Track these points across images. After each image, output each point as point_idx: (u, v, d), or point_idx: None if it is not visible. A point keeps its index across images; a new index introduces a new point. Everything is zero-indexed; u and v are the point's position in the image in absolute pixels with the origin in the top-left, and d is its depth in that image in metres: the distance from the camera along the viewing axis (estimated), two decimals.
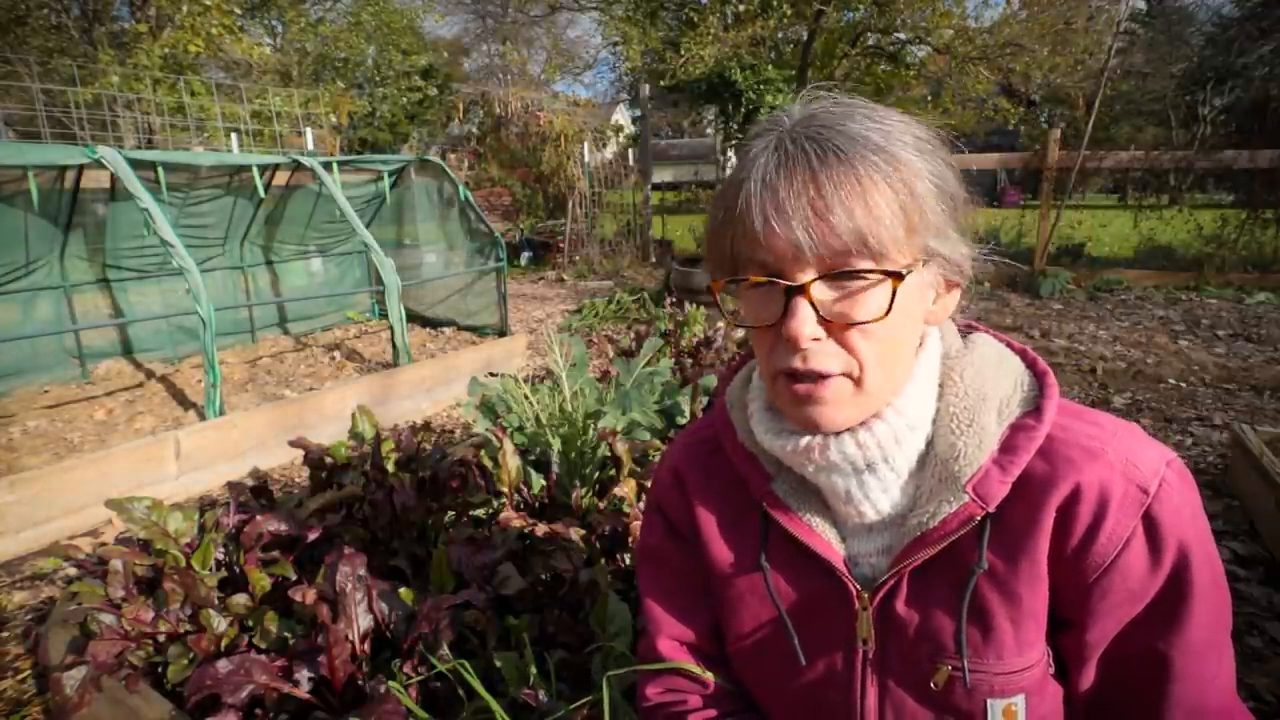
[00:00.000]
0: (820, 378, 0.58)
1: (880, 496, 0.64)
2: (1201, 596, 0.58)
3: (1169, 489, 0.57)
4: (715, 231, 0.61)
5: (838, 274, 0.55)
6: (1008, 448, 0.60)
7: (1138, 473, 0.58)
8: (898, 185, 0.54)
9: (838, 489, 0.64)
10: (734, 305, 0.65)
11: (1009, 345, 0.69)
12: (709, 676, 0.78)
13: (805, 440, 0.63)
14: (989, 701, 0.61)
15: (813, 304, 0.56)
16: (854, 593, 0.66)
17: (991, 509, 0.59)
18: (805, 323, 0.56)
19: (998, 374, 0.64)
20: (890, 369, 0.60)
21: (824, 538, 0.67)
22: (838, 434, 0.62)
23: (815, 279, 0.56)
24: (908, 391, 0.62)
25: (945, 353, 0.66)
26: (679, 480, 0.79)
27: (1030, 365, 0.66)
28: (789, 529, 0.68)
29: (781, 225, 0.54)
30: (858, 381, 0.59)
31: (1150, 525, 0.57)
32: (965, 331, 0.70)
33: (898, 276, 0.55)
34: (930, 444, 0.63)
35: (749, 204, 0.56)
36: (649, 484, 1.82)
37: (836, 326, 0.57)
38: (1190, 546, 0.57)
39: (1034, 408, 0.62)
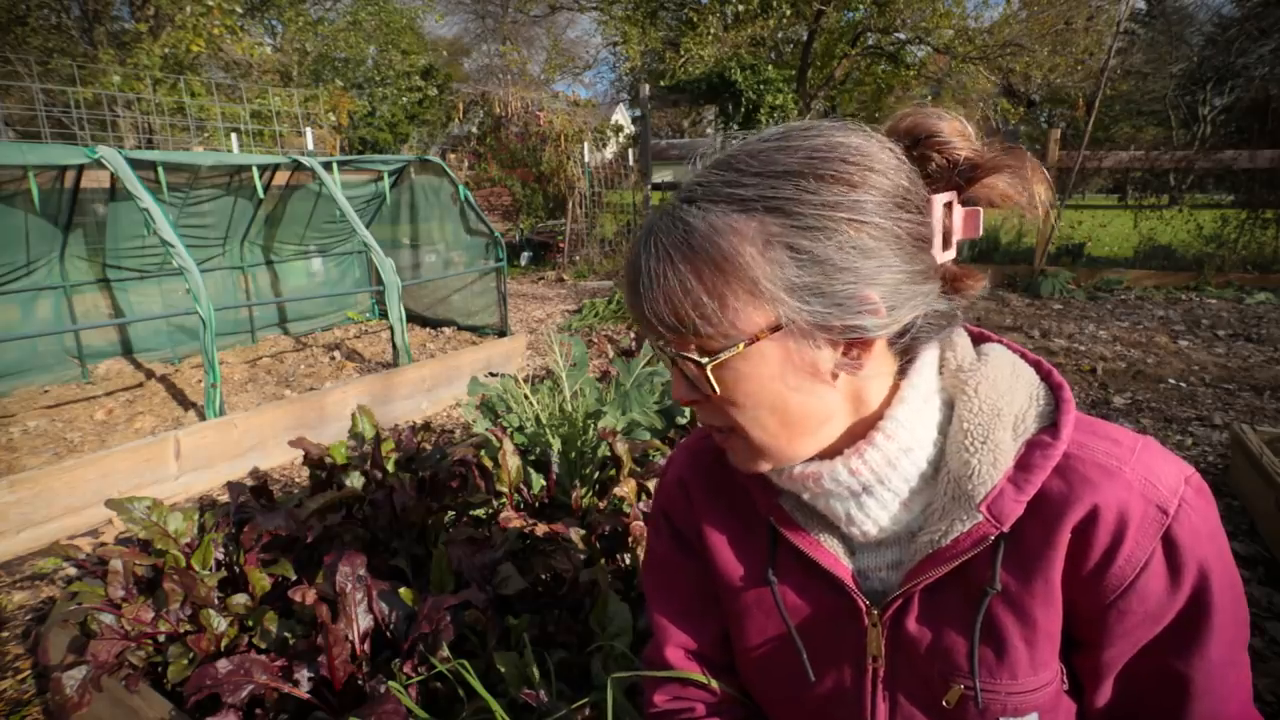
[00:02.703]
0: (715, 429, 0.63)
1: (880, 514, 0.63)
2: (1222, 616, 0.56)
3: (1188, 508, 0.56)
4: None
5: (676, 356, 0.59)
6: (1023, 465, 0.58)
7: (1157, 492, 0.56)
8: (713, 269, 0.54)
9: (837, 513, 0.64)
10: None
11: (1023, 356, 0.66)
12: (716, 685, 0.77)
13: (799, 468, 0.63)
14: (1002, 719, 0.60)
15: (683, 372, 0.60)
16: (863, 608, 0.65)
17: (1006, 529, 0.58)
18: (679, 387, 0.62)
19: (1012, 387, 0.62)
20: (781, 429, 0.60)
21: (832, 553, 0.66)
22: (830, 459, 0.62)
23: (676, 351, 0.59)
24: (897, 415, 0.61)
25: (958, 366, 0.64)
26: (685, 490, 0.78)
27: (1045, 377, 0.64)
28: (796, 544, 0.67)
29: (632, 310, 0.60)
30: (746, 439, 0.61)
31: (1169, 547, 0.56)
32: (977, 341, 0.68)
33: (698, 365, 0.57)
34: (942, 460, 0.62)
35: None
36: (650, 485, 1.83)
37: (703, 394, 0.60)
38: (1210, 566, 0.56)
39: (1050, 423, 0.60)
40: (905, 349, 0.62)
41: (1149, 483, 0.56)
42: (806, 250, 0.53)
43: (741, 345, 0.55)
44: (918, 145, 0.59)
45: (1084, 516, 0.56)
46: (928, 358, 0.63)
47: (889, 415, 0.61)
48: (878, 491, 0.62)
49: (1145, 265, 7.19)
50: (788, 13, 11.13)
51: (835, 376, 0.58)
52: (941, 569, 0.60)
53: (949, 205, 0.59)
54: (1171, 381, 3.98)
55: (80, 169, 3.52)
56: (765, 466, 0.63)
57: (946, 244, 0.60)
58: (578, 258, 9.38)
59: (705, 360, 0.56)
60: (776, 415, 0.59)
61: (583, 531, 1.62)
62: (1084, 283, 6.86)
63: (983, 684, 0.60)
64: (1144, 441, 0.60)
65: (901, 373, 0.62)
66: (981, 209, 0.62)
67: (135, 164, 3.27)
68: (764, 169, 0.54)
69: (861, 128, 0.58)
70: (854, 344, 0.57)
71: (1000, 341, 0.68)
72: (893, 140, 0.59)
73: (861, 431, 0.62)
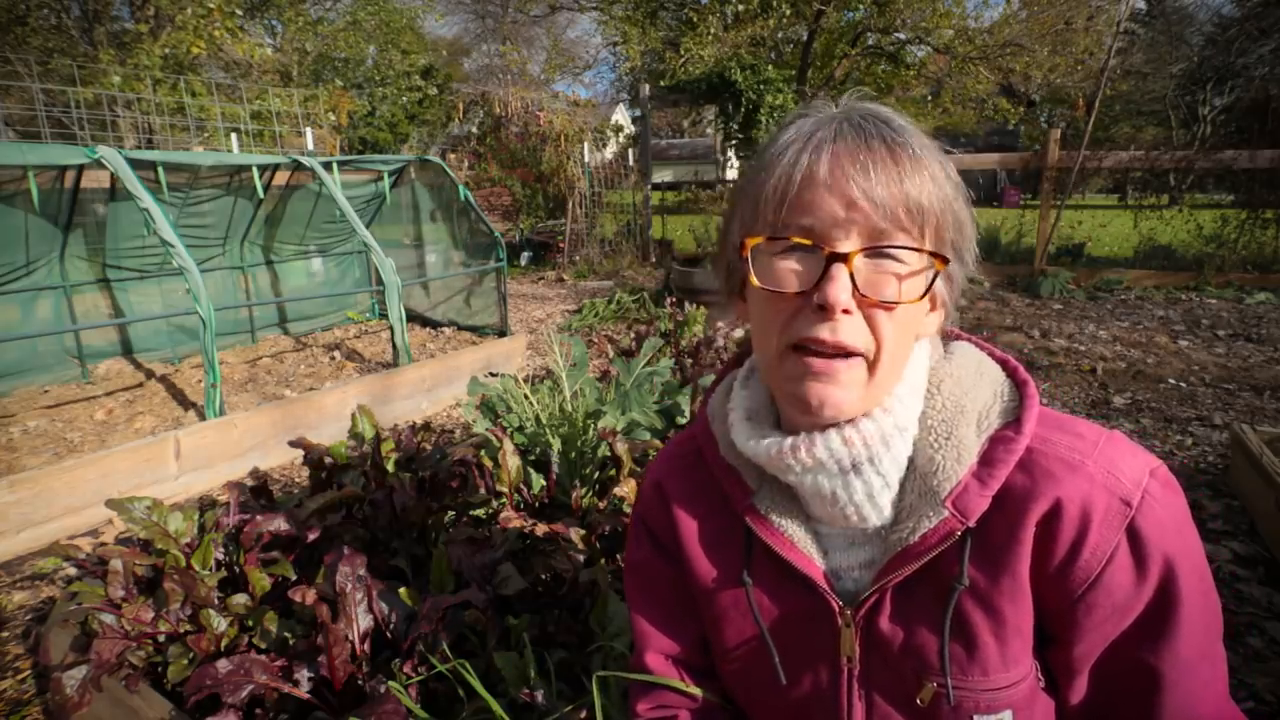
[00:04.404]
0: (843, 355, 0.57)
1: (865, 501, 0.62)
2: (1190, 608, 0.56)
3: (1152, 500, 0.56)
4: (754, 193, 0.60)
5: (880, 250, 0.56)
6: (987, 461, 0.59)
7: (1120, 485, 0.56)
8: (941, 178, 0.57)
9: (823, 490, 0.62)
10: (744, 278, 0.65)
11: (990, 353, 0.67)
12: (698, 691, 0.77)
13: (790, 440, 0.62)
14: (975, 718, 0.60)
15: (852, 275, 0.55)
16: (836, 609, 0.65)
17: (972, 524, 0.58)
18: (843, 290, 0.55)
19: (976, 384, 0.63)
20: (898, 362, 0.61)
21: (805, 552, 0.66)
22: (824, 430, 0.61)
23: (859, 250, 0.55)
24: (897, 393, 0.61)
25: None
26: (661, 494, 0.78)
27: (1011, 374, 0.65)
28: (770, 543, 0.67)
29: (838, 186, 0.55)
30: (871, 368, 0.58)
31: (1134, 539, 0.56)
32: (945, 339, 0.69)
33: (942, 260, 0.57)
34: (910, 457, 0.62)
35: (803, 165, 0.56)
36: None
37: (868, 303, 0.56)
38: (1176, 559, 0.56)
39: (1014, 419, 0.61)
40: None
41: (1112, 475, 0.57)
42: (964, 212, 0.60)
43: (951, 257, 0.60)
44: None
45: (1048, 511, 0.57)
46: (924, 347, 0.65)
47: (891, 392, 0.62)
48: (865, 471, 0.61)
49: (1145, 265, 7.19)
50: (788, 13, 11.13)
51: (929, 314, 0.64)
52: (911, 566, 0.60)
53: None
54: (1171, 381, 3.98)
55: (80, 169, 3.52)
56: (858, 408, 0.60)
57: None
58: (578, 258, 9.38)
59: (949, 257, 0.60)
60: (906, 347, 0.61)
61: (583, 531, 1.62)
62: (1084, 283, 6.85)
63: (954, 681, 0.60)
64: (1108, 435, 0.60)
65: None
66: None
67: (135, 164, 3.27)
68: (910, 126, 0.60)
69: None
70: (933, 305, 0.64)
71: (968, 339, 0.69)
72: None
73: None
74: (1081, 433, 0.60)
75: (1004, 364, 0.66)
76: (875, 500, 0.62)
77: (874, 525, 0.64)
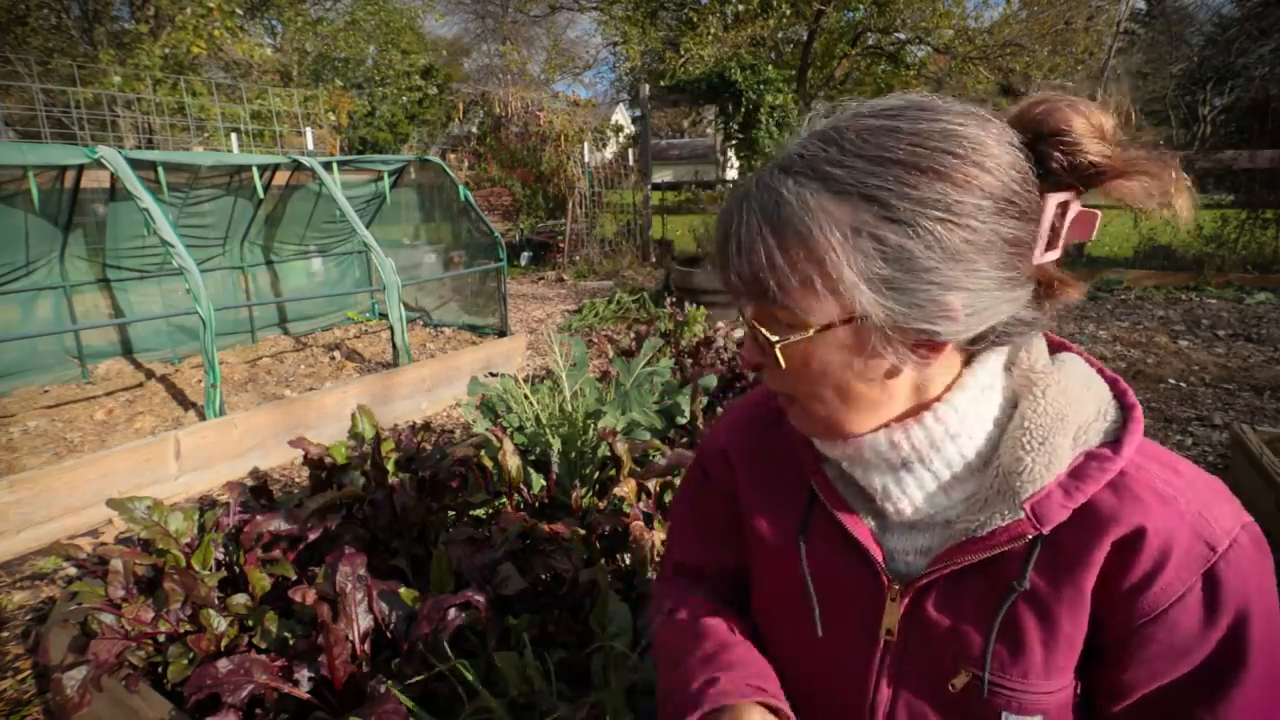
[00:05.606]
0: (778, 393, 0.66)
1: (917, 494, 0.63)
2: (1256, 672, 0.53)
3: (1239, 552, 0.55)
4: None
5: (753, 320, 0.61)
6: (1077, 474, 0.57)
7: (1209, 528, 0.55)
8: (799, 247, 0.53)
9: (874, 484, 0.64)
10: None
11: (1100, 371, 0.66)
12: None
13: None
14: (1005, 715, 0.59)
15: (755, 337, 0.61)
16: (885, 583, 0.65)
17: (1046, 531, 0.57)
18: (749, 350, 0.64)
19: (1081, 398, 0.61)
20: (840, 406, 0.61)
21: (865, 525, 0.67)
22: (872, 431, 0.62)
23: (751, 317, 0.62)
24: (953, 400, 0.60)
25: (1030, 366, 0.63)
26: (726, 459, 0.81)
27: (1119, 396, 0.63)
28: (832, 510, 0.68)
29: (730, 267, 0.59)
30: (806, 411, 0.63)
31: (1211, 585, 0.54)
32: (1055, 349, 0.68)
33: (767, 341, 0.59)
34: (995, 453, 0.61)
35: (720, 248, 0.61)
36: (650, 485, 1.83)
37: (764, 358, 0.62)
38: (1251, 617, 0.54)
39: (1114, 439, 0.58)
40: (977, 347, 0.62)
41: (1202, 518, 0.55)
42: (894, 245, 0.52)
43: (813, 330, 0.56)
44: (1042, 140, 0.55)
45: (1128, 535, 0.55)
46: (994, 354, 0.63)
47: (945, 399, 0.60)
48: (917, 470, 0.62)
49: (1145, 265, 7.19)
50: (788, 13, 11.13)
51: (899, 371, 0.58)
52: (971, 557, 0.59)
53: (1064, 205, 0.56)
54: (1171, 381, 3.98)
55: (80, 169, 3.52)
56: (820, 432, 0.65)
57: (1052, 245, 0.57)
58: (578, 258, 9.38)
59: (775, 339, 0.57)
60: (838, 395, 0.60)
61: (583, 531, 1.62)
62: (1084, 283, 6.84)
63: (993, 676, 0.59)
64: (1207, 479, 0.59)
65: (966, 360, 0.62)
66: (1099, 213, 0.59)
67: (135, 164, 3.27)
68: (867, 151, 0.52)
69: (981, 114, 0.55)
70: (923, 344, 0.56)
71: (1078, 353, 0.67)
72: (1017, 128, 0.56)
73: (915, 411, 0.62)
74: (1180, 470, 0.59)
75: (1113, 384, 0.64)
76: (926, 490, 0.63)
77: (927, 512, 0.64)
